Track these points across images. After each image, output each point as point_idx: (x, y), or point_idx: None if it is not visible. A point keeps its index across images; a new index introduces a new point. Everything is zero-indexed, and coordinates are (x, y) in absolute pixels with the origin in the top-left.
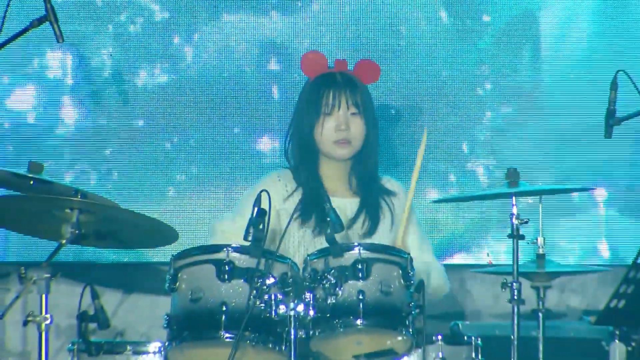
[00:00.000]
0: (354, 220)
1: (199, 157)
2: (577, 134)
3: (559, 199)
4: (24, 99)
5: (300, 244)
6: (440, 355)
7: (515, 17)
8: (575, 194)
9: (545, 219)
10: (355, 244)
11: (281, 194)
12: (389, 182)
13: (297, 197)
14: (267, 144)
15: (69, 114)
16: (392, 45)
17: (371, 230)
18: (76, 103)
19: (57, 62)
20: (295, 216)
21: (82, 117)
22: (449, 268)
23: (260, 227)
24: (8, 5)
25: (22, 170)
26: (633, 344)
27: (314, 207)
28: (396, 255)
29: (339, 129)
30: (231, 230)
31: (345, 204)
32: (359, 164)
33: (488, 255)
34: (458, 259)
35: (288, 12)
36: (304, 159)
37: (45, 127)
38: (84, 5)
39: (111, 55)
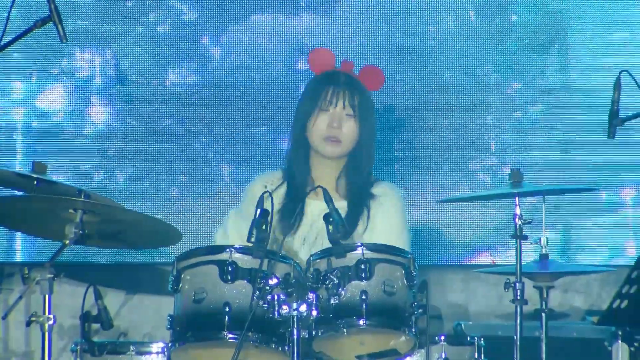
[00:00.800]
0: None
1: (228, 156)
2: (592, 134)
3: (586, 199)
4: (52, 99)
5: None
6: (444, 356)
7: (543, 18)
8: (603, 193)
9: (572, 218)
10: (358, 244)
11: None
12: (379, 188)
13: (281, 192)
14: None
15: (98, 114)
16: (421, 45)
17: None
18: (104, 103)
19: (86, 62)
20: (276, 213)
21: (110, 117)
22: (452, 268)
23: (263, 227)
24: (12, 6)
25: (27, 170)
26: (636, 344)
27: (294, 201)
28: (399, 256)
29: (331, 126)
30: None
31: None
32: (351, 169)
33: (491, 255)
34: (461, 259)
35: (316, 13)
36: (295, 153)
37: (71, 127)
38: (113, 6)
39: (139, 55)
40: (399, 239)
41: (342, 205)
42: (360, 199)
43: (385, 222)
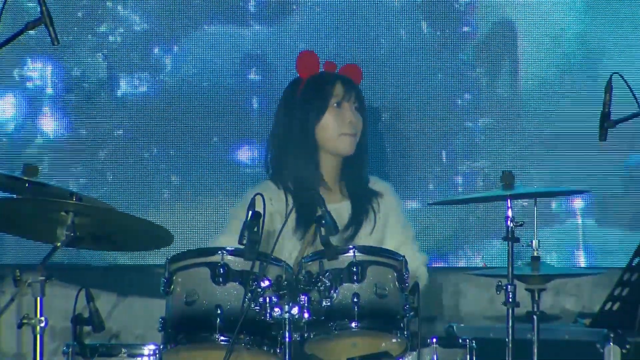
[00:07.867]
0: (347, 225)
1: (178, 167)
2: (568, 139)
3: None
4: (3, 108)
5: (292, 251)
6: (435, 358)
7: (495, 27)
8: (553, 202)
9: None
10: (350, 246)
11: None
12: (376, 184)
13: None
14: (246, 154)
15: (49, 123)
16: (372, 56)
17: (353, 235)
18: (56, 113)
19: (37, 72)
20: (288, 223)
21: (61, 126)
22: (444, 271)
23: (255, 230)
24: (3, 9)
25: (17, 173)
26: (628, 346)
27: (309, 213)
28: (391, 258)
29: (348, 121)
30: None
31: (336, 208)
32: (350, 166)
33: (482, 258)
34: (453, 261)
35: (268, 23)
36: (306, 157)
37: (25, 137)
38: (64, 16)
39: (91, 65)
40: (411, 238)
41: (345, 206)
42: (363, 197)
43: (396, 224)
